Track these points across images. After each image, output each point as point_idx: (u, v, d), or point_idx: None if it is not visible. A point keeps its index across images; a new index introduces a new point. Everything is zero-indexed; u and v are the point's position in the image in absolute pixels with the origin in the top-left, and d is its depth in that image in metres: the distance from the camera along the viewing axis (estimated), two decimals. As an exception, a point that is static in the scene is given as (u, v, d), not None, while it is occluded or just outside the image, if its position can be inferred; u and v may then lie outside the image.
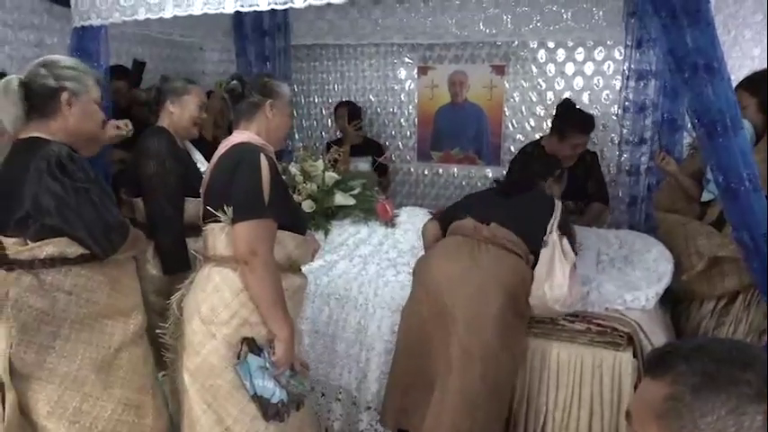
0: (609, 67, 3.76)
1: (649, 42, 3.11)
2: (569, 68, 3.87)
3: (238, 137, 1.78)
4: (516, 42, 3.94)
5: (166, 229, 2.23)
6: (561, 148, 3.03)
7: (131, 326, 1.76)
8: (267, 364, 1.66)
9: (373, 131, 4.46)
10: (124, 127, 2.39)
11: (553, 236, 2.16)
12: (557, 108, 3.16)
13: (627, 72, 3.27)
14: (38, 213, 1.60)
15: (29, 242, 1.61)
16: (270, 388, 1.66)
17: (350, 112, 3.96)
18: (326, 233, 2.78)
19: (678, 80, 1.73)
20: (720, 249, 2.21)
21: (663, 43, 1.75)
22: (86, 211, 1.61)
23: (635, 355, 2.07)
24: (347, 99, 4.38)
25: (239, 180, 1.65)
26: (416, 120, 4.38)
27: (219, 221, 1.70)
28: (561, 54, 3.87)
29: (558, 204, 2.31)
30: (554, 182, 2.54)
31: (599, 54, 3.77)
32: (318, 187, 2.85)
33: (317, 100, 4.66)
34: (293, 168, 2.91)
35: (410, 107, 4.39)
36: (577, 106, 3.12)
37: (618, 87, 3.50)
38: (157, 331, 1.89)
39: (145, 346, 1.84)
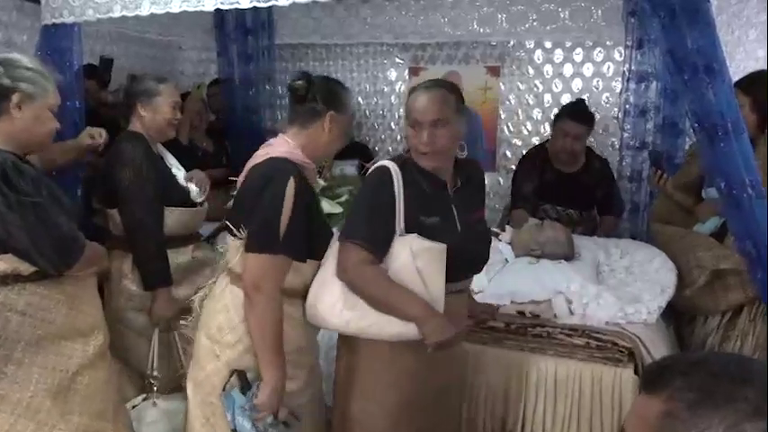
0: (609, 69, 3.81)
1: (650, 43, 3.15)
2: (567, 70, 3.91)
3: (279, 147, 1.70)
4: (512, 42, 3.97)
5: (146, 242, 2.21)
6: (554, 141, 3.07)
7: (91, 347, 1.73)
8: (247, 406, 1.61)
9: (362, 135, 4.48)
10: (98, 137, 2.34)
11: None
12: None
13: (627, 74, 3.32)
14: None
15: None
16: (247, 429, 1.61)
17: None
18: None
19: (678, 82, 1.76)
20: (722, 261, 2.23)
21: (662, 44, 1.78)
22: (34, 227, 1.56)
23: (636, 372, 2.08)
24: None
25: (260, 205, 1.60)
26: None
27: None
28: (559, 55, 3.91)
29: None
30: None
31: (598, 55, 3.82)
32: (303, 194, 2.86)
33: (302, 102, 4.67)
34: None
35: (401, 110, 4.40)
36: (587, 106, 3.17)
37: (618, 90, 3.54)
38: (183, 326, 1.87)
39: (106, 368, 1.80)
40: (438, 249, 1.63)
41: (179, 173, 2.41)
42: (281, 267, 1.62)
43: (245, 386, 1.63)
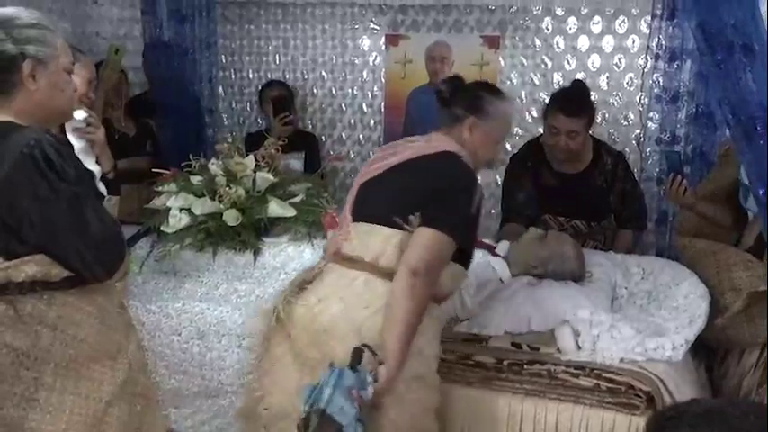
0: (634, 43, 3.85)
1: (684, 13, 3.20)
2: (582, 43, 3.94)
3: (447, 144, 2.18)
4: (515, 7, 4.01)
5: None
6: (545, 138, 3.10)
7: (120, 372, 1.80)
8: (355, 388, 1.78)
9: (325, 120, 4.50)
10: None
11: None
12: None
13: (656, 50, 3.37)
14: (17, 224, 1.60)
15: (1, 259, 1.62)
16: (347, 410, 1.76)
17: (275, 100, 3.95)
18: (256, 254, 2.78)
19: (709, 63, 1.80)
20: (762, 283, 2.27)
21: (691, 15, 1.82)
22: (82, 222, 1.63)
23: (656, 421, 2.12)
24: (283, 78, 4.42)
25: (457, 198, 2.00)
26: (383, 105, 4.43)
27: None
28: (572, 24, 3.95)
29: None
30: None
31: (621, 26, 3.86)
32: (247, 192, 2.86)
33: (251, 75, 4.67)
34: (214, 167, 2.91)
35: (375, 88, 4.43)
36: (587, 89, 3.19)
37: (645, 69, 3.58)
38: None
39: (131, 405, 1.87)
40: None
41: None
42: (449, 253, 1.99)
43: (355, 365, 1.81)
